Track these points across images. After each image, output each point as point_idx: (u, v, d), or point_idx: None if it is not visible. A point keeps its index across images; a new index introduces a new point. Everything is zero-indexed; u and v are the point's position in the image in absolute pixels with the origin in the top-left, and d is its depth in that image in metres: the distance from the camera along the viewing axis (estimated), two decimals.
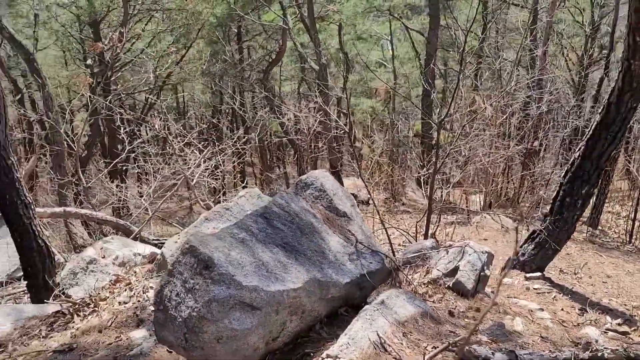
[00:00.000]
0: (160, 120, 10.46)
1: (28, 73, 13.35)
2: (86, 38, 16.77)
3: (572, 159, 5.27)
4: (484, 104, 6.98)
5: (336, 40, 19.88)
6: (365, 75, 22.77)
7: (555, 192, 5.44)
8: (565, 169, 5.34)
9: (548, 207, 5.55)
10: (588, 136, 5.09)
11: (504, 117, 8.71)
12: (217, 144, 10.63)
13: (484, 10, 16.35)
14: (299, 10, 16.46)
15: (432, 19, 13.43)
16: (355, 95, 23.61)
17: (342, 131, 13.93)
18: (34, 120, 13.25)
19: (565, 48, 15.61)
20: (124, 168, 12.25)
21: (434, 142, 11.63)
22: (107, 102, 11.44)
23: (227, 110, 21.29)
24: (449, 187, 7.94)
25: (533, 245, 5.56)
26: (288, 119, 15.51)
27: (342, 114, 19.73)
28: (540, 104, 9.84)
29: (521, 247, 5.73)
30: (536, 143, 10.45)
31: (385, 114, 18.43)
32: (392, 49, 21.23)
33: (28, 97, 17.12)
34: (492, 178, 9.28)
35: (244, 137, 12.88)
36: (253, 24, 18.39)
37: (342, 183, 14.86)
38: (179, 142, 8.66)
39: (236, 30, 19.63)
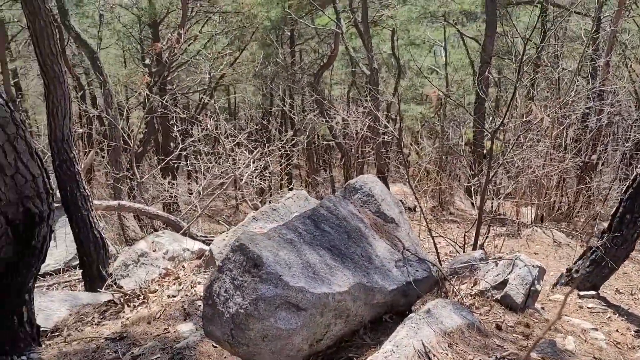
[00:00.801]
0: (212, 120, 10.70)
1: (91, 71, 13.95)
2: (145, 38, 17.39)
3: (634, 175, 5.03)
4: (541, 114, 6.76)
5: (388, 45, 19.76)
6: (416, 82, 22.53)
7: (614, 208, 5.20)
8: (627, 184, 5.10)
9: (605, 224, 5.32)
10: None
11: (561, 128, 8.41)
12: (266, 145, 10.79)
13: (543, 18, 15.87)
14: (352, 15, 16.47)
15: (489, 26, 13.13)
16: (405, 101, 23.38)
17: (391, 137, 13.84)
18: (93, 116, 13.82)
19: (629, 59, 14.92)
20: (176, 165, 12.60)
21: (485, 151, 11.36)
22: (163, 101, 11.80)
23: (277, 113, 21.53)
24: (499, 198, 7.73)
25: (588, 263, 5.34)
26: (337, 123, 15.53)
27: (391, 120, 19.60)
28: (600, 116, 9.45)
29: (575, 263, 5.51)
30: (594, 156, 10.04)
31: (436, 120, 18.16)
32: (446, 56, 20.91)
33: (89, 93, 17.89)
34: (545, 191, 8.97)
35: (293, 140, 13.01)
36: (306, 27, 18.55)
37: (389, 189, 14.73)
38: (229, 142, 8.83)
39: (289, 34, 19.86)
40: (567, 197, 9.90)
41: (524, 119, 6.78)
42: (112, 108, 10.09)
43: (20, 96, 15.99)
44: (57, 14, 10.10)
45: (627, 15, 14.49)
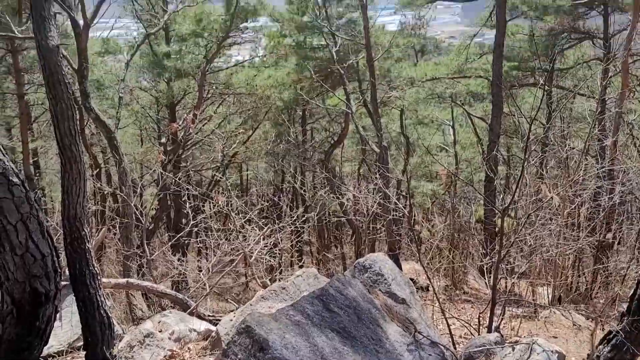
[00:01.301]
0: (223, 197, 10.82)
1: (107, 149, 14.38)
2: (162, 118, 18.02)
3: None
4: (550, 192, 6.76)
5: (397, 124, 20.24)
6: (426, 159, 22.82)
7: (632, 290, 5.05)
8: None
9: (625, 305, 5.14)
10: None
11: (573, 207, 8.38)
12: (276, 222, 10.80)
13: (548, 100, 16.27)
14: (362, 96, 17.05)
15: (495, 107, 13.48)
16: (416, 178, 23.57)
17: (402, 214, 13.82)
18: (108, 193, 14.06)
19: (637, 139, 15.09)
20: (186, 242, 12.60)
21: (497, 229, 11.25)
22: (176, 179, 12.02)
23: (288, 189, 21.76)
24: (514, 277, 7.55)
25: (609, 348, 5.10)
26: (347, 199, 15.61)
27: (402, 196, 19.67)
28: (612, 195, 9.41)
29: (596, 348, 5.27)
30: (609, 235, 9.89)
31: (446, 197, 18.20)
32: (454, 134, 21.31)
33: (105, 171, 18.31)
34: (561, 270, 8.77)
35: (303, 216, 13.05)
36: (317, 107, 19.15)
37: (400, 267, 14.50)
38: (240, 218, 8.87)
39: (301, 113, 20.50)
40: (585, 277, 9.65)
41: (534, 197, 6.78)
42: (127, 186, 10.28)
43: (38, 174, 16.41)
44: (79, 96, 10.57)
45: (633, 97, 14.83)
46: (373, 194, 12.86)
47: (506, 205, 4.95)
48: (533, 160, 8.82)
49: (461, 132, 24.03)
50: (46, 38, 5.05)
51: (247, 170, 24.41)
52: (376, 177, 12.93)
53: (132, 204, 10.08)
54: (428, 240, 14.28)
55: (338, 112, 18.30)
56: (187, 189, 10.98)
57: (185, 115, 14.42)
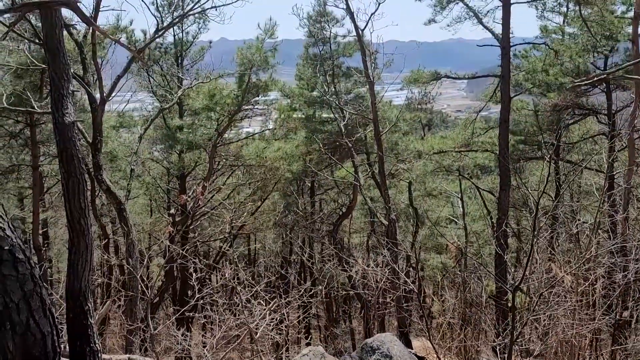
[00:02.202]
0: (230, 269, 10.70)
1: (117, 220, 14.46)
2: (172, 189, 18.23)
3: None
4: (561, 271, 6.63)
5: (406, 195, 20.31)
6: (435, 231, 22.65)
7: None
8: None
9: None
10: None
11: (586, 284, 8.17)
12: (283, 296, 10.59)
13: (556, 174, 16.33)
14: (370, 168, 17.25)
15: (502, 180, 13.54)
16: (426, 251, 23.30)
17: (410, 288, 13.54)
18: (114, 265, 13.98)
19: None
20: (191, 316, 12.34)
21: (510, 306, 10.94)
22: (183, 251, 11.96)
23: (296, 261, 21.54)
24: (529, 358, 7.24)
25: None
26: (356, 272, 15.38)
27: (412, 268, 19.36)
28: (626, 272, 9.19)
29: None
30: (626, 314, 9.57)
31: (457, 271, 17.88)
32: (463, 207, 21.27)
33: (113, 242, 18.31)
34: (577, 351, 8.42)
35: (311, 290, 12.79)
36: (326, 179, 19.34)
37: (410, 344, 14.01)
38: (246, 292, 8.72)
39: (310, 185, 20.68)
40: (603, 358, 9.24)
41: (546, 275, 6.64)
42: (133, 258, 10.23)
43: (46, 245, 16.46)
44: (91, 168, 10.78)
45: None
46: (382, 267, 12.67)
47: (516, 283, 4.84)
48: (543, 235, 8.72)
49: (470, 204, 23.99)
50: (63, 115, 5.23)
51: (255, 241, 24.30)
52: (385, 250, 12.79)
53: (138, 276, 9.98)
54: (439, 316, 13.88)
55: (346, 184, 18.45)
56: (194, 261, 10.87)
57: (195, 186, 14.59)
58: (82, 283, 5.25)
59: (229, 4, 11.08)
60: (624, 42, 14.30)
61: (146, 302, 9.83)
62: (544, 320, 7.36)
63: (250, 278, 16.82)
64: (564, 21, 17.36)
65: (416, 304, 15.43)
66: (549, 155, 13.09)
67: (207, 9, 11.77)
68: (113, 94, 11.12)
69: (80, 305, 5.18)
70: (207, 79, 14.38)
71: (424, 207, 21.83)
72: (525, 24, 21.17)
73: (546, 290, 6.53)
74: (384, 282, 12.38)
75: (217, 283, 10.41)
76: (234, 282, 9.45)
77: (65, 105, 5.25)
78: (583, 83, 11.85)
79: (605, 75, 7.44)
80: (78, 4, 4.58)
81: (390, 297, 14.34)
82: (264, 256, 24.59)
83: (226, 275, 9.70)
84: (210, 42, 17.08)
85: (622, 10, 15.14)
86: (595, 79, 7.93)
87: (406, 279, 8.72)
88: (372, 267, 12.85)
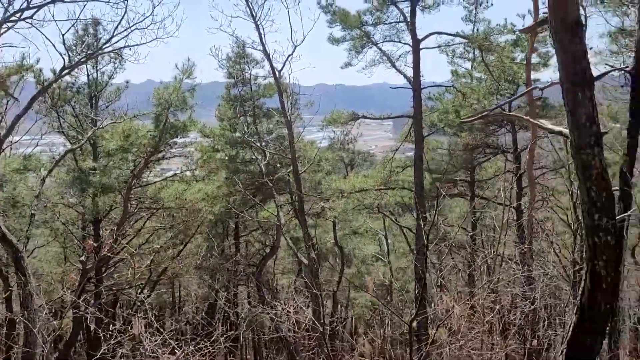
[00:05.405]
0: (142, 317, 10.12)
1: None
2: (88, 235, 17.25)
3: None
4: (455, 303, 6.78)
5: (332, 234, 20.37)
6: (362, 269, 22.77)
7: None
8: None
9: None
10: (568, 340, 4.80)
11: (492, 314, 8.42)
12: (202, 342, 10.10)
13: (472, 209, 17.01)
14: (293, 207, 17.22)
15: (418, 217, 13.91)
16: (355, 289, 23.31)
17: (336, 327, 13.39)
18: (17, 319, 12.88)
19: (557, 245, 15.81)
20: None
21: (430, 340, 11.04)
22: (95, 302, 11.25)
23: (220, 306, 20.86)
24: None
25: None
26: (278, 314, 15.06)
27: (341, 306, 19.23)
28: (532, 300, 9.56)
29: None
30: (534, 342, 9.90)
31: (381, 308, 17.97)
32: (387, 244, 21.65)
33: (18, 294, 16.93)
34: None
35: (234, 334, 12.31)
36: (251, 220, 19.07)
37: None
38: (153, 341, 8.23)
39: (234, 226, 20.29)
40: None
41: (440, 308, 6.77)
42: (31, 310, 9.45)
43: None
44: None
45: (546, 205, 15.74)
46: (305, 307, 12.47)
47: (412, 317, 4.86)
48: (446, 266, 8.94)
49: (395, 241, 24.46)
50: None
51: (179, 286, 23.35)
52: (308, 291, 12.65)
53: (36, 331, 9.21)
54: (370, 354, 13.80)
55: (270, 224, 18.27)
56: (101, 315, 10.22)
57: (102, 232, 13.91)
58: None
59: (143, 43, 10.86)
60: (523, 85, 15.44)
61: (44, 357, 9.09)
62: (452, 351, 7.45)
63: (171, 325, 16.05)
64: (471, 66, 18.57)
65: (345, 344, 15.27)
66: (464, 192, 13.67)
67: (120, 48, 11.51)
68: (12, 137, 10.50)
69: None
70: (120, 118, 13.95)
71: (351, 246, 21.97)
72: (439, 69, 22.43)
73: (442, 322, 6.64)
74: (306, 323, 12.17)
75: (125, 335, 9.75)
76: (142, 331, 8.92)
77: None
78: (468, 120, 12.60)
79: (487, 112, 7.92)
80: None
81: (315, 338, 14.10)
82: (191, 302, 23.66)
83: (135, 324, 9.13)
84: (127, 82, 16.62)
85: (521, 57, 16.45)
86: (478, 116, 8.44)
87: (330, 317, 8.59)
88: (295, 308, 12.63)
